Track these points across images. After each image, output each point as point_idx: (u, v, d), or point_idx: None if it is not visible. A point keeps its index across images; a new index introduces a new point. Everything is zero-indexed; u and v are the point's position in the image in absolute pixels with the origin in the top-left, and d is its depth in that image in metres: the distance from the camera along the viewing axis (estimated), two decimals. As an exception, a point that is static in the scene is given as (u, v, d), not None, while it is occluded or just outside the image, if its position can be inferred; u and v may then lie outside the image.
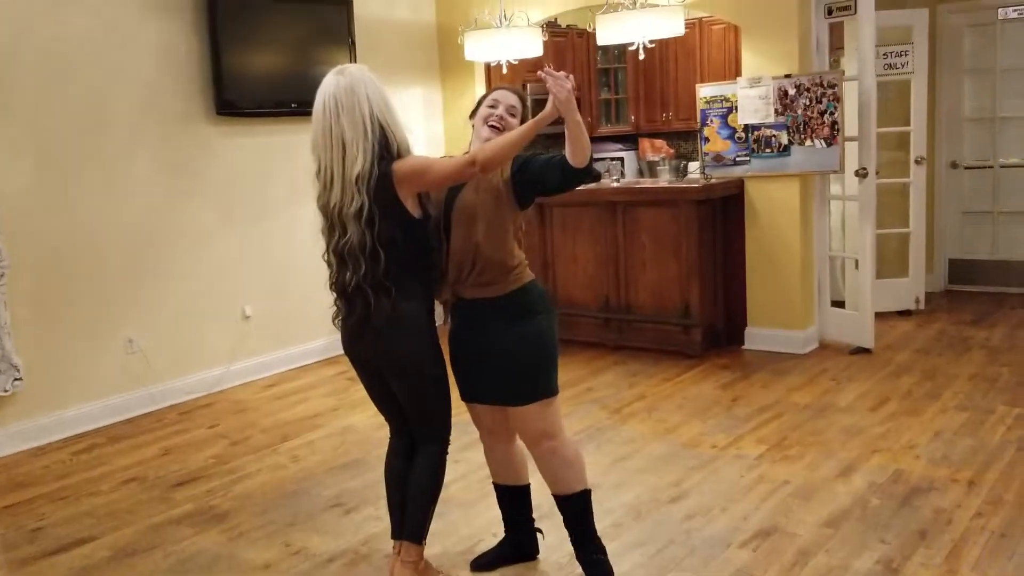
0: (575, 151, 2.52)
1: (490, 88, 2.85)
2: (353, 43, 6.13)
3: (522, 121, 2.76)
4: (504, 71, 6.44)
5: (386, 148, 2.55)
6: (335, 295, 2.68)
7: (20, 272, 4.59)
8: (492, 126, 2.71)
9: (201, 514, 3.68)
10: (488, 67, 6.83)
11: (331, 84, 2.57)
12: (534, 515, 3.08)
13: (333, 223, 2.58)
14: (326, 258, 2.65)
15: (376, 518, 3.48)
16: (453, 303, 2.80)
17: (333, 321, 2.73)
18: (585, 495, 2.84)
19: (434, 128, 7.02)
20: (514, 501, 3.03)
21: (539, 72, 2.56)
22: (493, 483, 3.06)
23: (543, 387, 2.75)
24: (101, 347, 4.99)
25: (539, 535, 3.06)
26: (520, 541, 3.06)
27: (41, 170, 4.71)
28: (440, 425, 2.81)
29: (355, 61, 6.12)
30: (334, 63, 5.87)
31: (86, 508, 3.82)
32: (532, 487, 3.06)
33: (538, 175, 2.65)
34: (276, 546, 3.35)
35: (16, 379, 4.57)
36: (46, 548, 3.44)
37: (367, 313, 2.59)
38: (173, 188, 5.31)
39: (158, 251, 5.23)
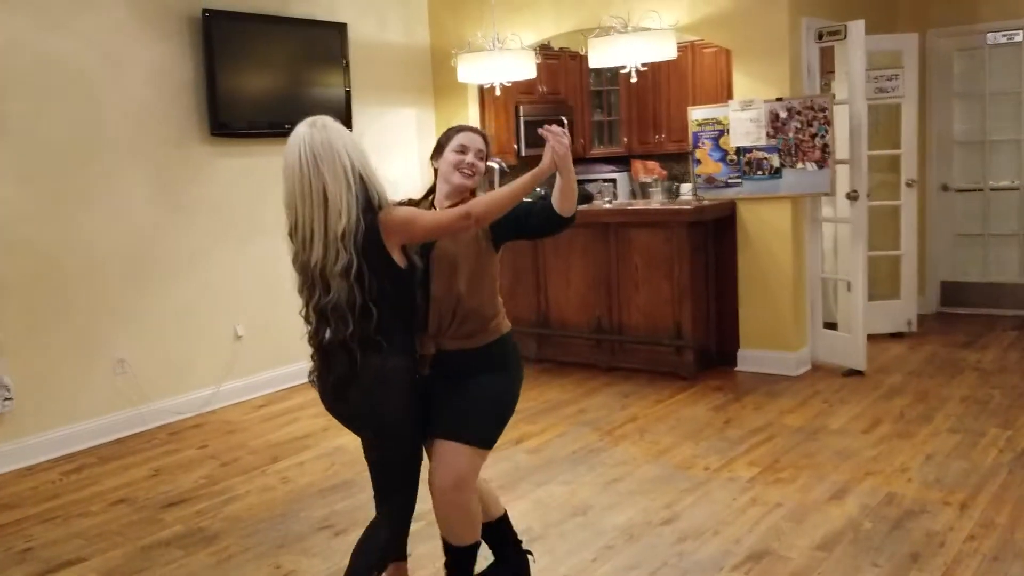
0: (565, 201, 2.54)
1: (451, 128, 2.79)
2: (347, 65, 6.16)
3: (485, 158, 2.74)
4: (497, 93, 6.49)
5: (368, 201, 2.43)
6: (313, 351, 2.55)
7: (10, 292, 4.58)
8: (464, 173, 2.67)
9: (191, 536, 3.66)
10: (481, 89, 6.88)
11: (306, 137, 2.42)
12: (523, 538, 3.06)
13: (314, 281, 2.44)
14: (304, 314, 2.53)
15: (367, 540, 3.45)
16: (433, 355, 2.68)
17: (309, 377, 2.62)
18: (476, 546, 2.76)
19: (427, 150, 7.02)
20: (495, 533, 2.99)
21: (539, 130, 2.53)
22: None
23: (489, 437, 2.67)
24: (91, 367, 4.97)
25: (530, 557, 3.04)
26: (510, 563, 3.04)
27: (33, 191, 4.71)
28: (402, 503, 2.63)
29: (349, 83, 6.16)
30: (328, 84, 6.04)
31: (75, 529, 3.79)
32: (512, 513, 3.05)
33: (521, 220, 2.61)
34: (266, 568, 3.32)
35: (6, 399, 4.55)
36: (35, 570, 3.41)
37: (351, 371, 2.46)
38: (166, 208, 5.31)
39: (150, 271, 5.23)
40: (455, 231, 2.52)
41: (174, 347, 5.36)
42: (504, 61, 6.22)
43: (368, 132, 6.35)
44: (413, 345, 2.60)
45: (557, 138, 2.46)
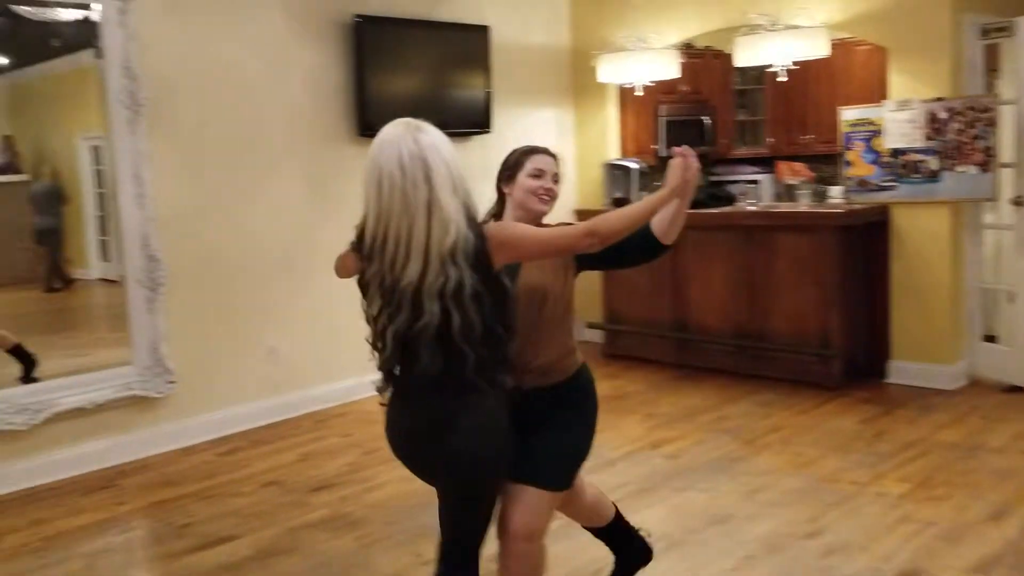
0: (673, 228, 2.42)
1: (519, 150, 2.53)
2: (489, 67, 6.25)
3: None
4: (639, 93, 6.44)
5: (469, 213, 2.15)
6: (393, 387, 2.26)
7: (178, 282, 4.86)
8: (543, 199, 2.47)
9: (336, 520, 3.80)
10: (622, 89, 6.84)
11: (408, 139, 2.11)
12: (661, 544, 3.01)
13: (400, 304, 2.12)
14: (375, 340, 2.25)
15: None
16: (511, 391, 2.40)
17: (380, 392, 2.33)
18: None
19: (565, 150, 7.07)
20: (611, 533, 2.92)
21: (676, 149, 2.36)
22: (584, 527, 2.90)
23: (569, 479, 2.49)
24: (247, 355, 5.23)
25: (647, 537, 2.96)
26: (631, 552, 2.96)
27: (199, 189, 5.00)
28: (474, 548, 2.35)
29: (491, 85, 6.24)
30: (470, 86, 6.14)
31: (230, 508, 4.00)
32: (649, 517, 3.02)
33: (620, 246, 2.33)
34: (407, 555, 3.41)
35: (169, 382, 4.85)
36: (193, 544, 3.63)
37: (453, 409, 2.16)
38: (315, 206, 5.53)
39: (301, 264, 5.45)
40: (575, 251, 2.29)
41: (321, 338, 5.57)
42: (646, 61, 6.18)
43: (508, 133, 6.41)
44: (507, 380, 2.26)
45: (689, 159, 2.32)
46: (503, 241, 2.17)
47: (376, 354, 2.26)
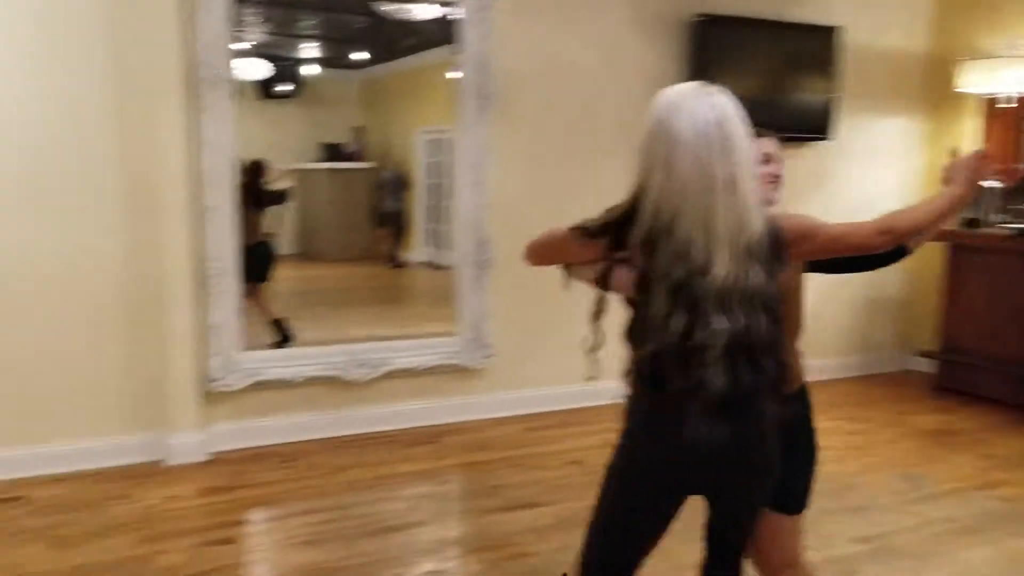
0: (925, 238, 2.21)
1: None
2: (835, 70, 5.96)
3: None
4: (1012, 104, 5.82)
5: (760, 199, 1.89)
6: (709, 405, 1.84)
7: (504, 264, 5.13)
8: (772, 185, 2.29)
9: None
10: (986, 100, 6.22)
11: (703, 105, 1.78)
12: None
13: (702, 307, 1.77)
14: (674, 351, 1.84)
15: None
16: None
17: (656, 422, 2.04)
18: None
19: (912, 162, 6.57)
20: None
21: (974, 151, 2.14)
22: None
23: (809, 498, 2.36)
24: (558, 340, 5.39)
25: None
26: None
27: (530, 179, 5.26)
28: (743, 552, 2.25)
29: (836, 90, 5.94)
30: (812, 90, 5.90)
31: (534, 478, 4.20)
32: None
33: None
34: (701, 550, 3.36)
35: (487, 356, 5.17)
36: (501, 504, 3.87)
37: (753, 424, 1.90)
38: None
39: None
40: (866, 249, 1.99)
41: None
42: (1021, 69, 5.57)
43: (848, 143, 6.10)
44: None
45: (986, 164, 2.11)
46: (802, 234, 1.90)
47: (637, 364, 1.99)
